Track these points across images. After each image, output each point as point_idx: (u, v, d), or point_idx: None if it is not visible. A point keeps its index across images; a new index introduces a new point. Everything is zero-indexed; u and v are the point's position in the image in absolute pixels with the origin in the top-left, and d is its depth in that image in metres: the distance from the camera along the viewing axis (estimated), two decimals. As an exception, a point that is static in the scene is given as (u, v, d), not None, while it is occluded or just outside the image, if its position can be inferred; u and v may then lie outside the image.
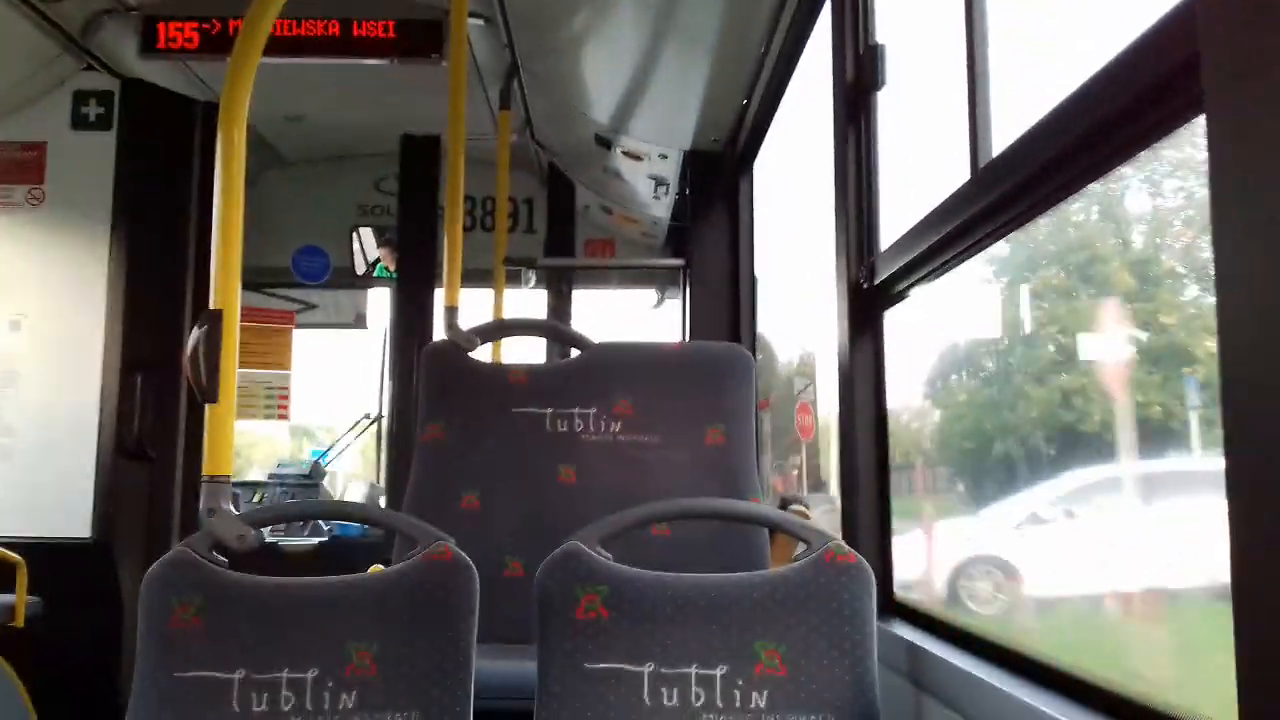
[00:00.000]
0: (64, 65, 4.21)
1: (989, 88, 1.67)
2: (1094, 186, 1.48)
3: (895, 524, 2.16)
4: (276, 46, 3.81)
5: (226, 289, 1.86)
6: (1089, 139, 1.27)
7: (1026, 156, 1.45)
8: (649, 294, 6.44)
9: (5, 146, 4.29)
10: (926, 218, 1.84)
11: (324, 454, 5.83)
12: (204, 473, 1.81)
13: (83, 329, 4.12)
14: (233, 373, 1.86)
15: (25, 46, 3.99)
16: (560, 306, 5.59)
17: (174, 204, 4.34)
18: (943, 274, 1.92)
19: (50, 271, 4.19)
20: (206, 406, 1.85)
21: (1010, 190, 1.51)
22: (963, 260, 1.82)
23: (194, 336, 1.85)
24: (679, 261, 4.79)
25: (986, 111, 1.65)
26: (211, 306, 1.87)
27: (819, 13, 2.87)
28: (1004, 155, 1.54)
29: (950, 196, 1.73)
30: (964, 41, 1.70)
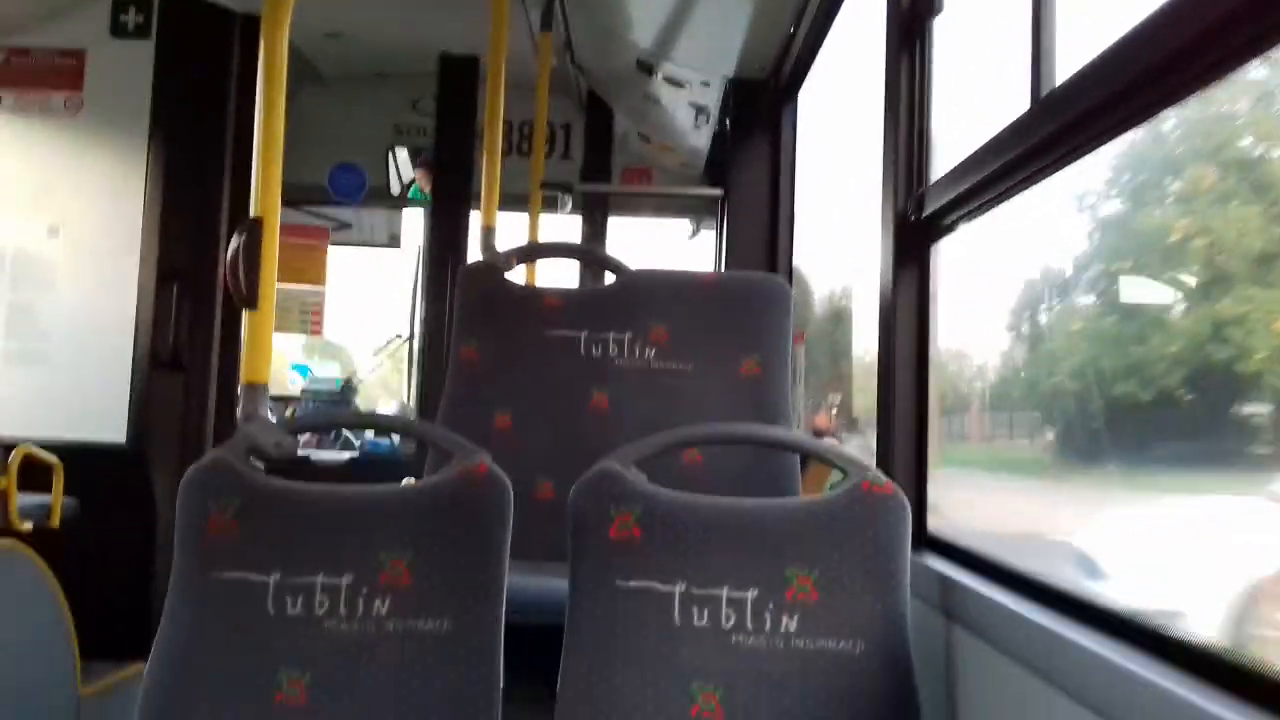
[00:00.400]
0: (103, -30, 4.17)
1: (1054, 12, 1.61)
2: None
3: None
4: None
5: (267, 197, 1.86)
6: (1160, 67, 1.23)
7: (1093, 85, 1.41)
8: (684, 225, 6.39)
9: (44, 53, 4.28)
10: (983, 147, 1.80)
11: (340, 380, 5.84)
12: (242, 379, 1.82)
13: (119, 237, 4.14)
14: (272, 281, 1.86)
15: None
16: (595, 233, 5.56)
17: (212, 115, 4.32)
18: (995, 206, 1.88)
19: (88, 179, 4.19)
20: (245, 313, 1.86)
21: (1073, 120, 1.47)
22: (1018, 192, 1.78)
23: (234, 243, 1.85)
24: (717, 191, 4.74)
25: (1051, 38, 1.60)
26: (252, 214, 1.86)
27: (875, -64, 2.79)
28: (1069, 83, 1.49)
29: (1008, 126, 1.69)
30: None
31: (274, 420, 1.85)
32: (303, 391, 5.55)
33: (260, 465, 1.82)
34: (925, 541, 2.03)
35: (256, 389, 1.82)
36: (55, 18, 4.25)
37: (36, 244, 4.13)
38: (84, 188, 4.18)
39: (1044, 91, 1.58)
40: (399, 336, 5.84)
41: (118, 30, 4.25)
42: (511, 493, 1.77)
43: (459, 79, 4.97)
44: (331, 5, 4.41)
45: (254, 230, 1.83)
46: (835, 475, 1.82)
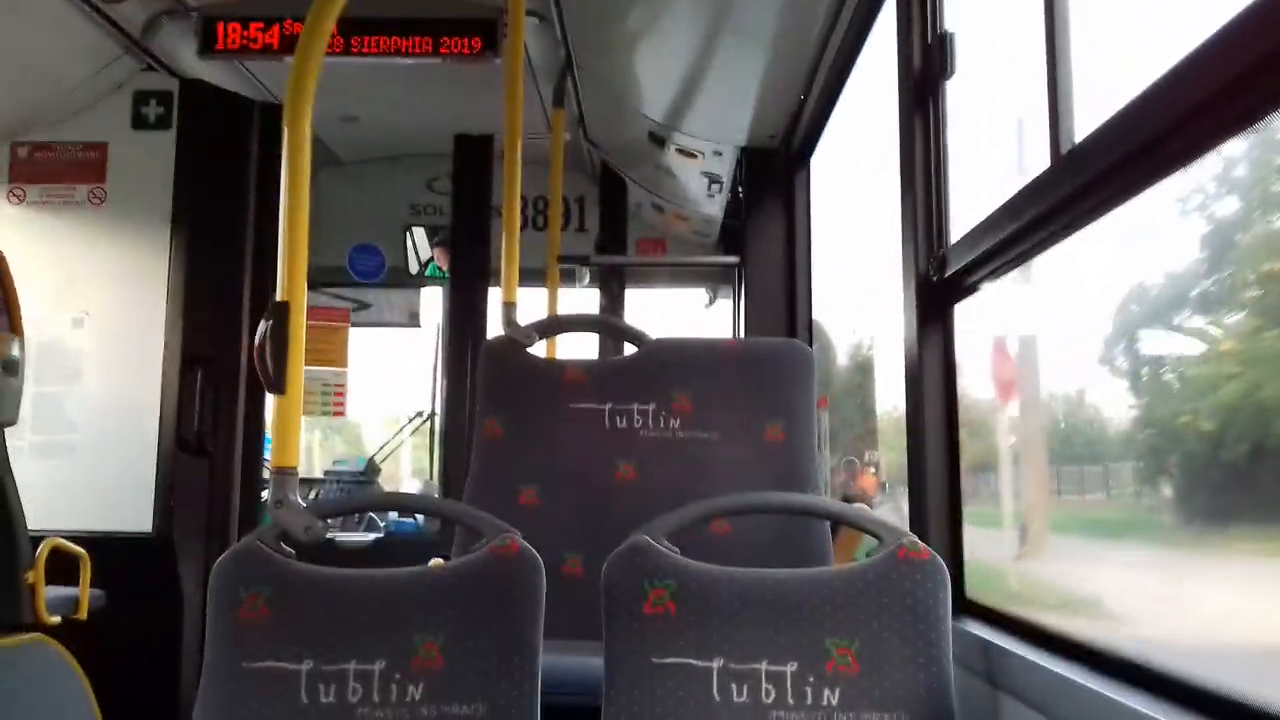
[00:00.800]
0: (124, 66, 4.26)
1: (1070, 68, 1.62)
2: None
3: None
4: (333, 46, 3.85)
5: (293, 282, 1.87)
6: (1186, 120, 1.23)
7: (1115, 140, 1.41)
8: (700, 293, 6.41)
9: (68, 147, 4.36)
10: (1003, 207, 1.80)
11: (364, 460, 5.85)
12: (272, 464, 1.82)
13: (143, 325, 4.17)
14: (300, 365, 1.87)
15: (87, 48, 4.05)
16: (613, 305, 5.59)
17: (232, 202, 4.39)
18: (1018, 265, 1.87)
19: (112, 269, 4.25)
20: (274, 399, 1.86)
21: (1096, 176, 1.46)
22: (1040, 251, 1.78)
23: (261, 329, 1.85)
24: (734, 259, 4.76)
25: (1069, 94, 1.61)
26: (278, 299, 1.87)
27: (881, 3, 2.83)
28: (1090, 139, 1.49)
29: (1029, 184, 1.69)
30: (1043, 23, 1.66)
31: (303, 505, 1.84)
32: (326, 473, 5.55)
33: (290, 551, 1.80)
34: (965, 607, 1.99)
35: (286, 474, 1.81)
36: (79, 113, 4.34)
37: (62, 335, 4.17)
38: (108, 277, 4.23)
39: (1064, 149, 1.58)
40: (421, 414, 5.85)
41: (139, 123, 4.34)
42: (544, 571, 1.75)
43: (474, 158, 5.03)
44: (348, 90, 4.49)
45: (281, 315, 1.83)
46: (869, 541, 1.79)
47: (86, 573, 3.30)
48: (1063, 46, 1.62)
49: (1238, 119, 1.19)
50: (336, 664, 1.69)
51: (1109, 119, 1.44)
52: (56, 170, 4.34)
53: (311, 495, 5.40)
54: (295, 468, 1.82)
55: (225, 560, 1.76)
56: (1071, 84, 1.61)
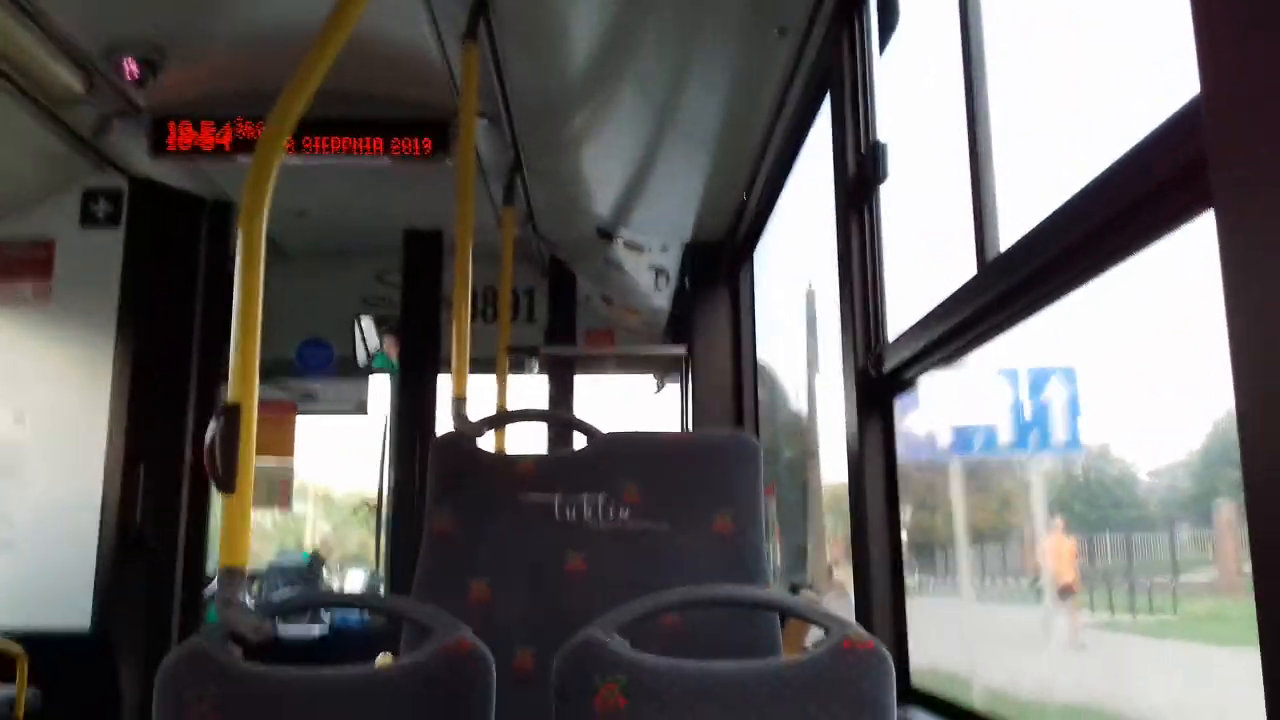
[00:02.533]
0: (74, 165, 4.28)
1: (993, 183, 1.73)
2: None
3: None
4: (286, 145, 3.90)
5: (244, 382, 1.88)
6: (1098, 233, 1.32)
7: (1035, 250, 1.51)
8: (647, 380, 6.48)
9: (14, 244, 4.35)
10: (934, 310, 1.89)
11: (308, 554, 5.78)
12: (220, 563, 1.82)
13: (86, 423, 4.14)
14: (250, 464, 1.87)
15: (37, 147, 4.07)
16: (562, 394, 5.63)
17: (180, 299, 4.40)
18: (950, 362, 1.96)
19: (55, 366, 4.22)
20: (223, 497, 1.86)
21: (1018, 283, 1.56)
22: (971, 349, 1.87)
23: (211, 429, 1.86)
24: (681, 349, 4.84)
25: (992, 207, 1.71)
26: (230, 400, 1.89)
27: (818, 110, 2.96)
28: (1013, 249, 1.59)
29: (958, 290, 1.78)
30: (966, 143, 1.77)
31: (251, 604, 1.84)
32: (270, 566, 5.46)
33: (238, 651, 1.80)
34: (910, 696, 2.03)
35: (235, 573, 1.81)
36: (26, 209, 4.34)
37: (2, 431, 4.12)
38: (51, 373, 4.20)
39: (989, 256, 1.68)
40: (366, 505, 5.81)
41: (87, 219, 4.35)
42: (494, 668, 1.76)
43: (423, 252, 5.09)
44: (298, 186, 4.53)
45: (232, 415, 1.84)
46: (811, 633, 1.83)
47: (23, 672, 3.23)
48: (985, 164, 1.73)
49: (1146, 231, 1.28)
50: None
51: (1028, 231, 1.54)
52: (2, 267, 4.32)
53: (254, 588, 5.31)
54: (244, 566, 1.82)
55: (170, 662, 1.75)
56: (995, 197, 1.72)
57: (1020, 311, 1.63)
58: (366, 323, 5.61)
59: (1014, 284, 1.56)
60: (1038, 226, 1.50)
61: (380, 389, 5.96)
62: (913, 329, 2.00)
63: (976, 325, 1.75)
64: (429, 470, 2.73)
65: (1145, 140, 1.21)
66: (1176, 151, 1.12)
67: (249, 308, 1.90)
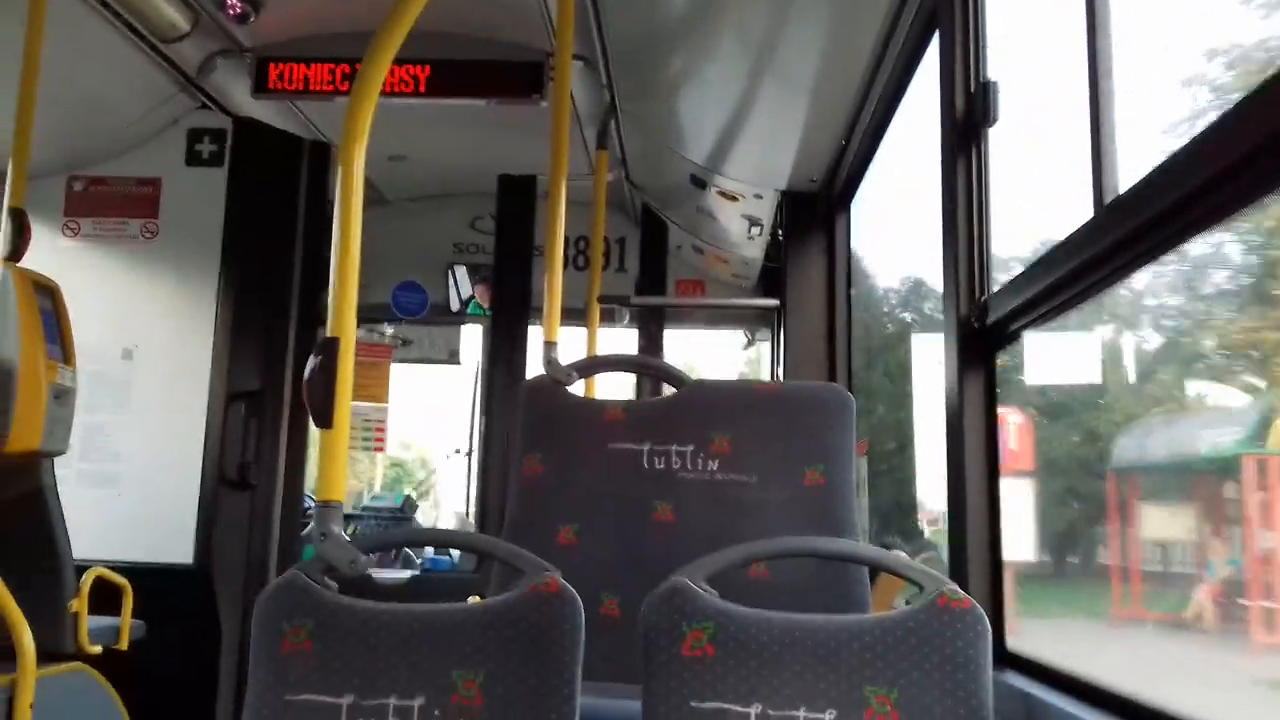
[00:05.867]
0: (179, 104, 4.38)
1: (1114, 121, 1.63)
2: None
3: None
4: (383, 87, 3.92)
5: (343, 318, 1.89)
6: (1234, 170, 1.23)
7: (1158, 192, 1.41)
8: (737, 335, 6.43)
9: (123, 181, 4.47)
10: (1046, 255, 1.80)
11: (401, 496, 5.88)
12: (317, 497, 1.84)
13: (190, 359, 4.25)
14: (347, 400, 1.89)
15: (144, 85, 4.16)
16: (651, 345, 5.61)
17: (280, 238, 4.47)
18: (1060, 314, 1.87)
19: (162, 303, 4.33)
20: (320, 432, 1.88)
21: (1140, 226, 1.46)
22: (1084, 300, 1.78)
23: (311, 363, 1.88)
24: (774, 302, 4.76)
25: (1112, 146, 1.62)
26: (328, 334, 1.90)
27: (925, 51, 2.85)
28: (1135, 190, 1.49)
29: (1073, 234, 1.69)
30: (1086, 76, 1.67)
31: (346, 538, 1.86)
32: (364, 509, 5.58)
33: (333, 585, 1.82)
34: (1006, 658, 1.97)
35: (331, 507, 1.83)
36: (134, 148, 4.45)
37: (111, 366, 4.25)
38: (158, 311, 4.32)
39: (1107, 199, 1.58)
40: (458, 451, 5.88)
41: (193, 159, 4.44)
42: (583, 611, 1.76)
43: (517, 198, 5.09)
44: (396, 131, 4.57)
45: (330, 350, 1.86)
46: (908, 589, 1.78)
47: (128, 603, 3.34)
48: (1106, 99, 1.63)
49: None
50: (377, 699, 1.70)
51: (1152, 171, 1.45)
52: (111, 204, 4.45)
53: (349, 531, 5.44)
54: (340, 501, 1.84)
55: (269, 593, 1.78)
56: (1114, 136, 1.62)
57: (1140, 257, 1.54)
58: (460, 271, 5.65)
59: (1137, 226, 1.46)
60: (1161, 165, 1.41)
61: (472, 340, 6.01)
62: (1021, 276, 1.92)
63: (1091, 272, 1.65)
64: (519, 413, 2.73)
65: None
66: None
67: (348, 243, 1.91)
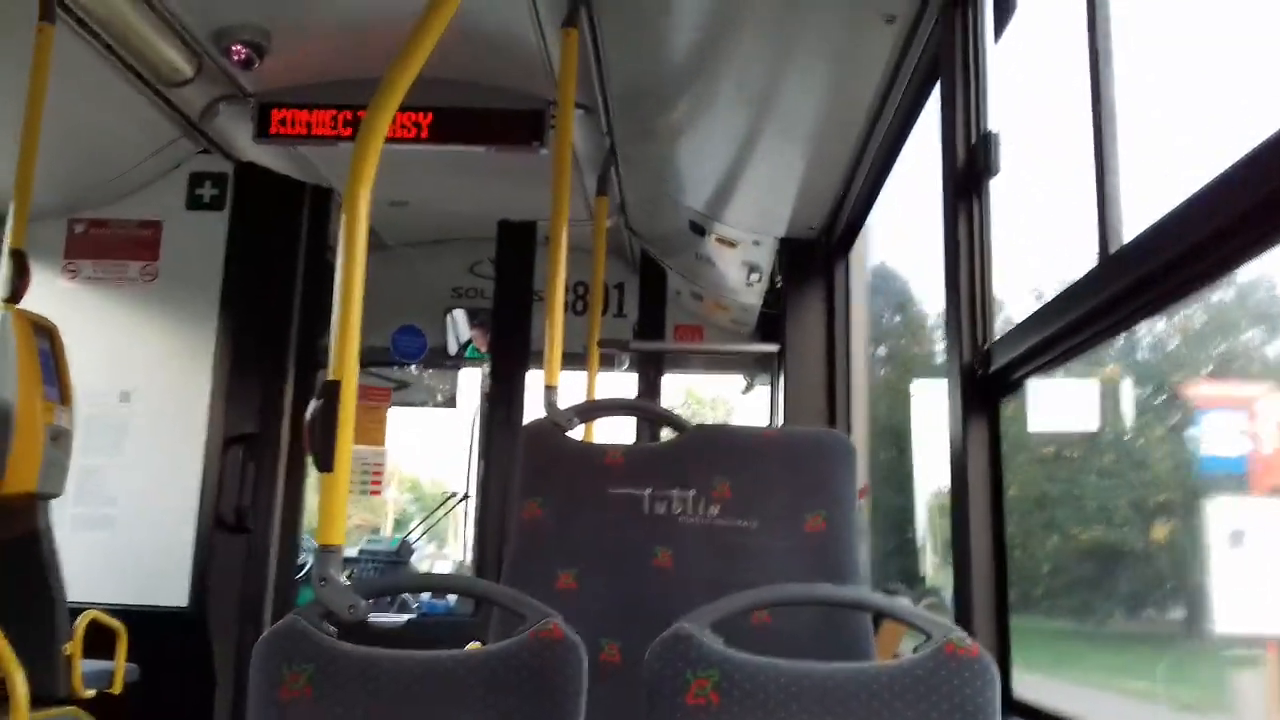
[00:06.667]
0: (181, 148, 4.40)
1: (1118, 170, 1.64)
2: None
3: None
4: (387, 134, 3.95)
5: (344, 362, 1.89)
6: (1241, 222, 1.24)
7: (1168, 240, 1.42)
8: (737, 379, 6.43)
9: (123, 224, 4.48)
10: (1049, 304, 1.81)
11: (397, 541, 5.86)
12: (317, 541, 1.83)
13: (188, 403, 4.24)
14: (348, 443, 1.88)
15: (146, 129, 4.19)
16: (650, 389, 5.62)
17: (280, 283, 4.48)
18: (1064, 363, 1.87)
19: (160, 345, 4.33)
20: (321, 476, 1.87)
21: (1145, 276, 1.47)
22: (1087, 349, 1.78)
23: (312, 407, 1.88)
24: (773, 347, 4.77)
25: (1116, 195, 1.63)
26: (330, 377, 1.90)
27: (925, 101, 2.88)
28: (1141, 239, 1.51)
29: (1076, 282, 1.70)
30: (1091, 125, 1.69)
31: (346, 583, 1.84)
32: (361, 552, 5.54)
33: (332, 630, 1.81)
34: (1013, 706, 1.95)
35: (331, 552, 1.82)
36: (135, 191, 4.47)
37: (109, 408, 4.24)
38: (156, 353, 4.31)
39: (1111, 249, 1.59)
40: (455, 495, 5.86)
41: (194, 203, 4.46)
42: (586, 657, 1.74)
43: (517, 243, 5.11)
44: (397, 176, 4.59)
45: (332, 393, 1.86)
46: (914, 635, 1.77)
47: (123, 647, 3.31)
48: (1110, 148, 1.65)
49: (1290, 224, 1.20)
50: None
51: (1159, 220, 1.46)
52: (111, 247, 4.46)
53: (345, 575, 5.39)
54: (341, 545, 1.83)
55: (268, 637, 1.76)
56: (1119, 185, 1.63)
57: (1144, 307, 1.55)
58: (459, 315, 5.66)
59: (1142, 276, 1.47)
60: (1172, 212, 1.42)
61: (470, 384, 6.02)
62: (1023, 325, 1.93)
63: (1095, 322, 1.66)
64: (519, 456, 2.72)
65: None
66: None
67: (351, 287, 1.92)
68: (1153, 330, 2.53)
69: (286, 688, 1.72)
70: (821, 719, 1.64)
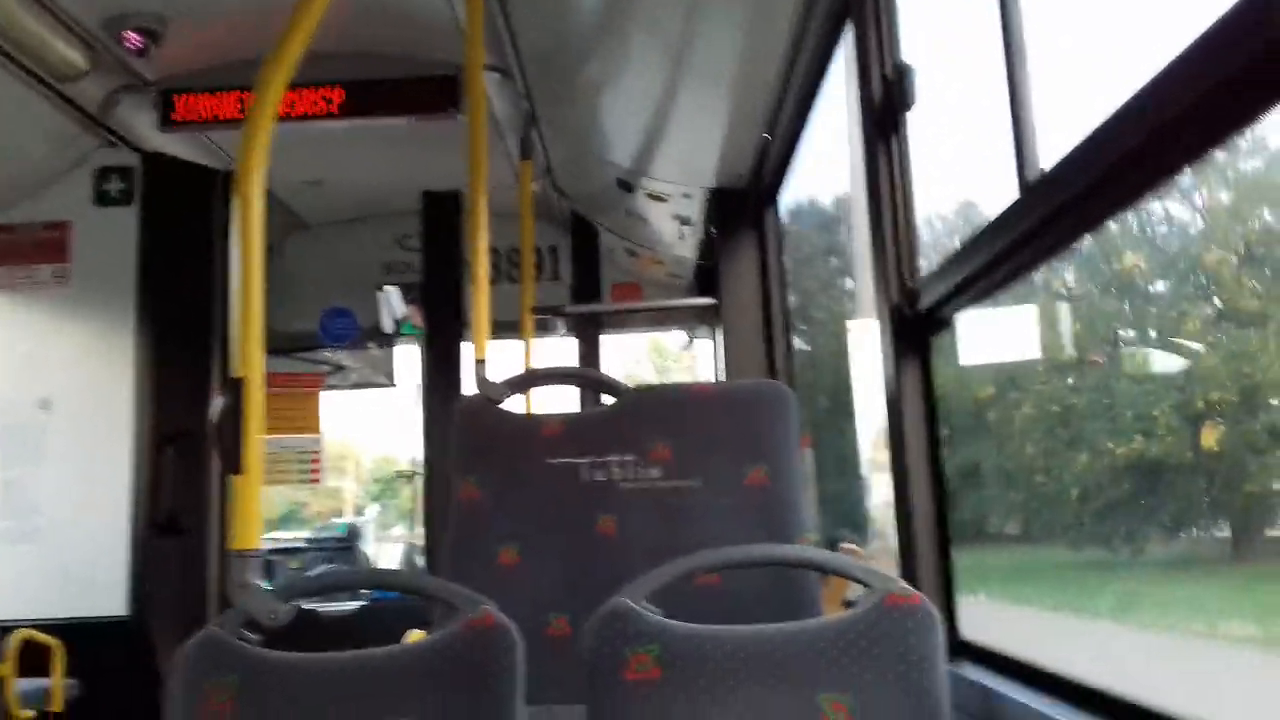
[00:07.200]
0: (84, 143, 4.23)
1: (1030, 99, 1.59)
2: None
3: None
4: (293, 110, 3.81)
5: (249, 356, 1.80)
6: (1153, 143, 1.19)
7: (1084, 166, 1.37)
8: (677, 335, 6.38)
9: (29, 228, 4.30)
10: (973, 239, 1.76)
11: (345, 526, 5.77)
12: (231, 546, 1.75)
13: (111, 406, 4.09)
14: (258, 442, 1.80)
15: (45, 126, 4.01)
16: (590, 353, 5.54)
17: (199, 276, 4.33)
18: (989, 296, 1.83)
19: (77, 349, 4.18)
20: (231, 478, 1.79)
21: (1066, 203, 1.42)
22: (1012, 281, 1.74)
23: (216, 406, 1.80)
24: (710, 300, 4.72)
25: (1030, 124, 1.58)
26: (234, 374, 1.81)
27: (839, 39, 2.81)
28: (1059, 167, 1.45)
29: (999, 216, 1.65)
30: (1002, 54, 1.63)
31: (281, 576, 1.77)
32: (308, 541, 5.44)
33: (255, 637, 1.73)
34: (962, 650, 1.93)
35: (247, 556, 1.74)
36: (39, 192, 4.29)
37: (27, 418, 4.08)
38: (74, 357, 4.16)
39: (1030, 178, 1.54)
40: (401, 476, 5.76)
41: (101, 199, 4.29)
42: (520, 643, 1.68)
43: (442, 214, 5.00)
44: (312, 154, 4.46)
45: (236, 391, 1.77)
46: (852, 588, 1.73)
47: (59, 663, 3.20)
48: (1022, 78, 1.59)
49: (1205, 139, 1.15)
50: None
51: (1074, 146, 1.41)
52: (18, 251, 4.28)
53: (294, 565, 5.29)
54: (256, 549, 1.75)
55: (185, 652, 1.68)
56: (1033, 113, 1.58)
57: (1068, 235, 1.50)
58: (391, 292, 5.53)
59: (1062, 203, 1.42)
60: (1089, 136, 1.37)
61: (409, 360, 5.90)
62: (948, 262, 1.88)
63: (1018, 253, 1.62)
64: (453, 435, 2.65)
65: (1207, 33, 1.07)
66: (1252, 36, 0.98)
67: (251, 277, 1.82)
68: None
69: (210, 703, 1.64)
70: (766, 683, 1.60)
